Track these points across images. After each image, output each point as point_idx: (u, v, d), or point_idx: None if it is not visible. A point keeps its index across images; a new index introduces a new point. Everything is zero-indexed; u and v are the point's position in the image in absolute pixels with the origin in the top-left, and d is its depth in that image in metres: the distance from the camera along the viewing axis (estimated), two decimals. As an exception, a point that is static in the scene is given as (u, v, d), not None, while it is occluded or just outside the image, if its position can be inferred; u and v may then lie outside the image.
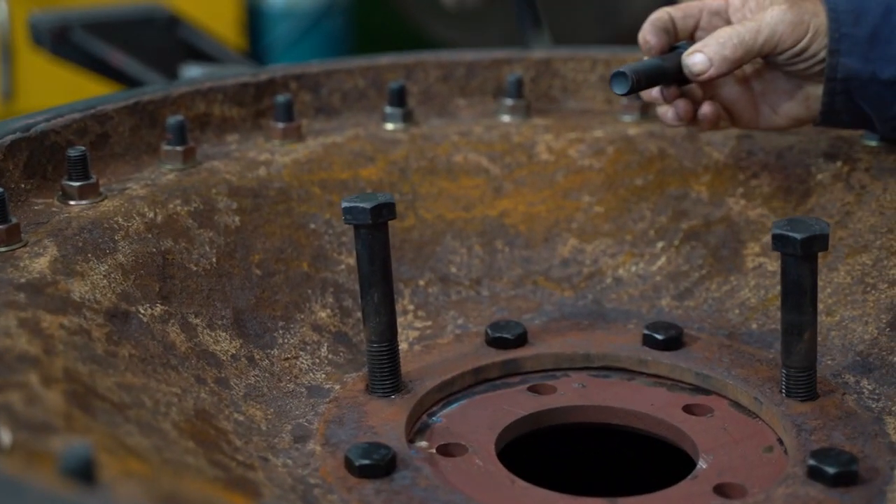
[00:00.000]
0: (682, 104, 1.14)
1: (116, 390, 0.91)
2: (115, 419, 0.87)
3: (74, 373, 0.91)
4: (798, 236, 1.00)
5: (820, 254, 1.03)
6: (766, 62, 1.12)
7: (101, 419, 0.86)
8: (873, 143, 1.24)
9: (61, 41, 1.57)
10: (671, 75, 1.13)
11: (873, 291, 1.16)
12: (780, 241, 1.01)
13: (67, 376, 0.89)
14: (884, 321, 1.14)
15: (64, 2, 3.13)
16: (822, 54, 1.09)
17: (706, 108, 1.14)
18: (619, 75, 1.11)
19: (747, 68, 1.13)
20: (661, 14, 1.18)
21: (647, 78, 1.14)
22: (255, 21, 4.16)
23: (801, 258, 1.01)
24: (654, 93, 1.16)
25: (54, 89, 2.54)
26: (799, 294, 1.03)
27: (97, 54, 1.58)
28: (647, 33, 1.15)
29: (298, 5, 4.16)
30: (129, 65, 1.58)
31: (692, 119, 1.15)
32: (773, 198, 1.25)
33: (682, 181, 1.29)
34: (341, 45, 4.19)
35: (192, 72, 1.42)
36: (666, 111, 1.15)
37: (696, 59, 1.09)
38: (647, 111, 1.35)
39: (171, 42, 1.65)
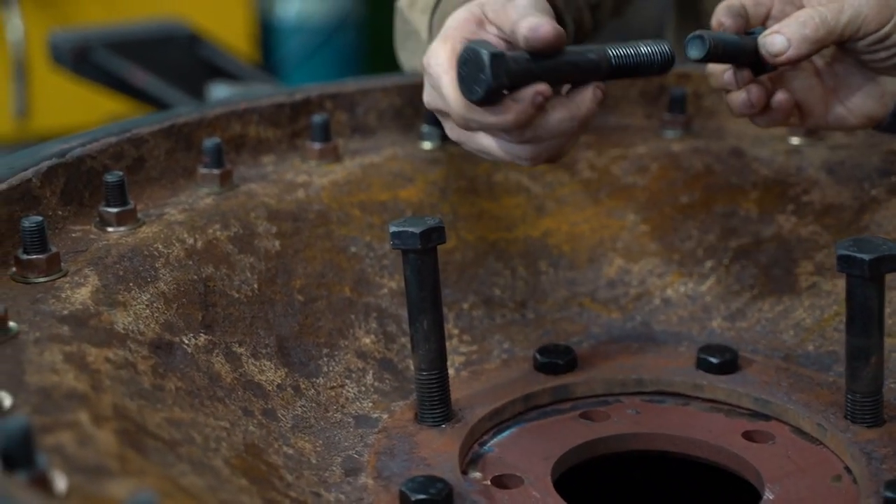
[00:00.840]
0: (755, 89, 1.08)
1: (166, 426, 0.90)
2: (167, 458, 0.85)
3: (124, 409, 0.89)
4: (866, 257, 0.98)
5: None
6: (843, 50, 1.07)
7: (153, 459, 0.84)
8: None
9: (82, 60, 1.57)
10: (747, 56, 1.08)
11: None
12: (846, 262, 0.99)
13: (117, 413, 0.88)
14: None
15: (80, 19, 3.14)
16: None
17: (780, 96, 1.09)
18: (696, 38, 1.04)
19: (819, 60, 1.08)
20: (733, 0, 1.13)
21: (724, 48, 1.08)
22: (267, 35, 4.17)
23: (868, 280, 0.99)
24: (726, 76, 1.09)
25: (68, 107, 2.53)
26: (866, 317, 1.01)
27: (118, 73, 1.58)
28: (722, 15, 1.09)
29: (311, 20, 4.16)
30: (150, 83, 1.58)
31: (765, 107, 1.09)
32: (825, 214, 1.24)
33: (730, 198, 1.28)
34: (354, 60, 4.20)
35: (220, 91, 1.42)
36: (737, 97, 1.09)
37: (776, 39, 1.04)
38: (690, 125, 1.33)
39: (192, 60, 1.65)
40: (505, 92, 0.93)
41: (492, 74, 0.91)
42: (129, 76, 1.57)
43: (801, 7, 1.07)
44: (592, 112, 1.01)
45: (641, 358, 1.19)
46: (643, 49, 1.07)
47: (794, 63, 1.05)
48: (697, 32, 1.06)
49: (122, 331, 0.98)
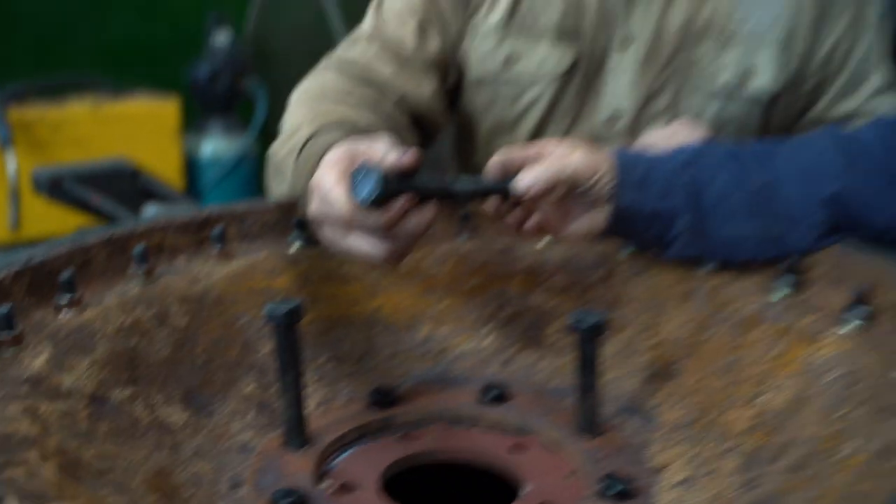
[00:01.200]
0: (517, 213, 1.11)
1: (97, 460, 0.84)
2: (96, 484, 0.81)
3: (65, 449, 0.83)
4: (589, 321, 0.99)
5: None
6: (570, 189, 1.09)
7: (86, 485, 0.79)
8: (628, 252, 1.23)
9: (55, 189, 1.58)
10: (502, 193, 1.07)
11: (634, 356, 1.15)
12: (575, 326, 1.00)
13: (59, 452, 0.81)
14: (640, 378, 1.13)
15: (56, 159, 3.07)
16: (608, 189, 1.09)
17: (533, 219, 1.10)
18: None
19: (556, 194, 1.08)
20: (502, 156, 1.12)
21: (476, 191, 1.07)
22: (192, 168, 4.01)
23: (590, 341, 0.99)
24: (496, 207, 1.11)
25: (48, 221, 2.43)
26: (589, 363, 1.01)
27: (82, 198, 1.56)
28: (492, 169, 1.10)
29: (223, 156, 4.03)
30: (104, 204, 1.54)
31: (523, 224, 1.12)
32: (563, 293, 1.24)
33: (502, 282, 1.26)
34: (252, 185, 4.08)
35: (151, 211, 1.37)
36: (508, 218, 1.11)
37: (522, 182, 1.04)
38: (476, 231, 1.30)
39: (134, 187, 1.64)
40: (381, 200, 0.95)
41: (382, 184, 0.93)
42: (89, 200, 1.53)
43: (541, 161, 1.07)
44: (433, 220, 1.01)
45: (443, 395, 1.15)
46: (482, 183, 1.10)
47: (537, 198, 1.06)
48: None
49: (67, 389, 0.91)
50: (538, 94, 1.43)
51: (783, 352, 1.03)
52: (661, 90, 1.40)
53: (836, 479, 0.82)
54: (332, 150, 1.06)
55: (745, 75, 1.37)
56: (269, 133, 3.95)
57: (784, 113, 1.42)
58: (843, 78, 1.41)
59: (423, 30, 1.43)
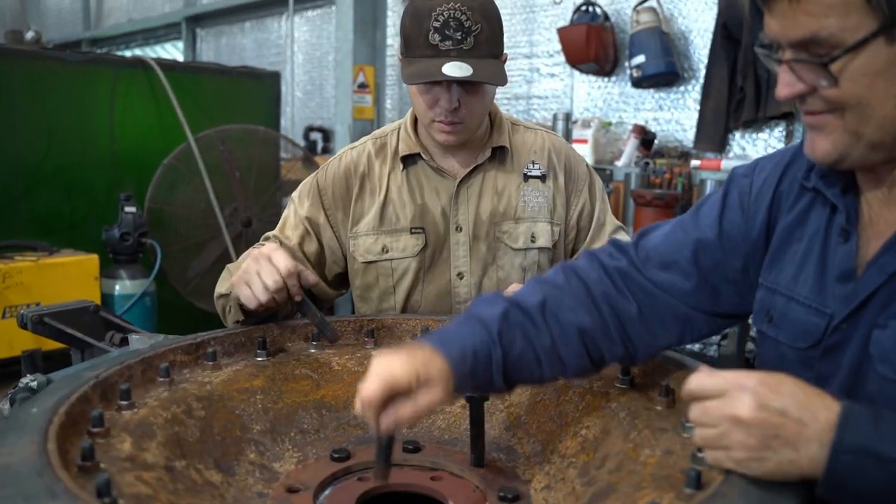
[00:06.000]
0: None
1: None
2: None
3: (172, 500, 1.06)
4: (478, 394, 1.24)
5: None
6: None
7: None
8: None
9: (38, 325, 1.64)
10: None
11: (496, 414, 1.42)
12: (468, 397, 1.26)
13: (170, 502, 1.05)
14: (500, 428, 1.40)
15: (7, 301, 3.73)
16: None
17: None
18: None
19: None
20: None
21: None
22: (107, 303, 4.50)
23: (478, 406, 1.27)
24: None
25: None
26: (477, 420, 1.28)
27: (59, 329, 1.65)
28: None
29: (130, 294, 4.59)
30: (75, 335, 1.68)
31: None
32: None
33: None
34: (153, 314, 4.68)
35: (135, 340, 1.49)
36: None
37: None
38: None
39: (96, 320, 1.73)
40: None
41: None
42: (64, 331, 1.66)
43: None
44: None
45: None
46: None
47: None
48: None
49: (150, 463, 1.13)
50: (406, 267, 1.94)
51: (588, 403, 1.34)
52: (486, 252, 1.95)
53: (643, 471, 1.08)
54: (274, 248, 1.56)
55: (532, 238, 1.96)
56: (162, 277, 4.75)
57: (563, 252, 2.02)
58: (592, 228, 2.04)
59: (303, 237, 1.95)
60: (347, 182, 1.91)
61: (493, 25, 1.69)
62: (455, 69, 1.62)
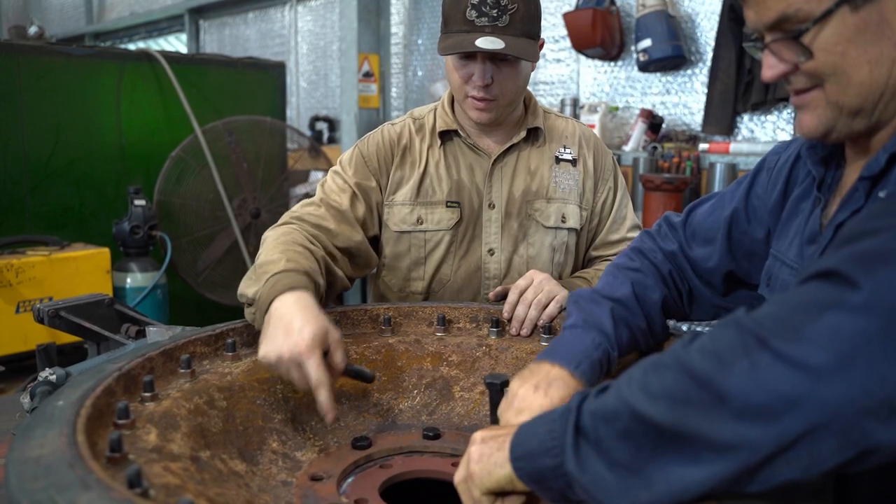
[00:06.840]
0: None
1: (217, 496, 1.08)
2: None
3: (199, 490, 1.06)
4: (499, 380, 1.28)
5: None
6: None
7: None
8: (496, 336, 1.66)
9: (54, 319, 1.64)
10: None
11: None
12: (489, 383, 1.28)
13: (198, 493, 1.03)
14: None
15: (21, 296, 3.74)
16: None
17: None
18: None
19: None
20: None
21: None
22: (118, 295, 4.53)
23: (498, 392, 1.28)
24: None
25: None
26: (495, 405, 1.27)
27: (74, 323, 1.66)
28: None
29: (141, 286, 4.60)
30: (92, 327, 1.68)
31: None
32: (459, 365, 1.55)
33: (419, 361, 1.57)
34: (164, 306, 4.72)
35: (153, 332, 1.49)
36: None
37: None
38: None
39: (111, 313, 1.73)
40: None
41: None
42: (80, 324, 1.66)
43: None
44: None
45: (398, 437, 1.40)
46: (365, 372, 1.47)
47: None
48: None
49: (176, 453, 1.13)
50: (439, 240, 1.98)
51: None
52: (517, 229, 1.99)
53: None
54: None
55: (562, 219, 1.99)
56: (172, 269, 4.75)
57: (584, 237, 2.04)
58: (611, 218, 2.08)
59: (352, 200, 1.93)
60: (391, 151, 1.97)
61: (529, 6, 1.76)
62: (487, 42, 1.69)
